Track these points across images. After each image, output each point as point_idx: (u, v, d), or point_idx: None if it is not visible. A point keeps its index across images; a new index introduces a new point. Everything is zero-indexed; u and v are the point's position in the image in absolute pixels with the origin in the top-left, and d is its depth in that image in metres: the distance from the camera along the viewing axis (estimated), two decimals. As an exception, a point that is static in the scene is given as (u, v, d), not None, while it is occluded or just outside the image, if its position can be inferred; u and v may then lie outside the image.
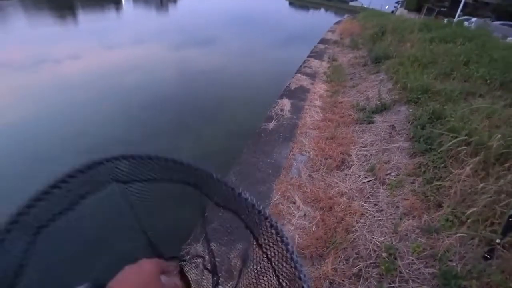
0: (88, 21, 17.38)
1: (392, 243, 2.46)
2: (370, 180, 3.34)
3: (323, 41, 11.34)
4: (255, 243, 0.54)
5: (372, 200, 3.04)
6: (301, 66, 7.66)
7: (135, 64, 8.87)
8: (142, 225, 0.65)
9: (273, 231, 0.49)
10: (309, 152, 3.89)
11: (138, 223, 0.67)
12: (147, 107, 6.09)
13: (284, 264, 0.48)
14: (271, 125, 4.43)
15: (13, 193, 2.26)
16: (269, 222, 0.48)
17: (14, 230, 0.52)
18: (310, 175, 3.48)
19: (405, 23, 9.86)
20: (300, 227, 2.79)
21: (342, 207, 2.97)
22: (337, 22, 19.42)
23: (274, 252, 0.50)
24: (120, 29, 14.86)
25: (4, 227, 0.50)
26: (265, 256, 0.51)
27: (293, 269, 0.46)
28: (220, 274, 0.71)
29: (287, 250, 0.48)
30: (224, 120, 5.68)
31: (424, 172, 3.15)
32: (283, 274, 0.48)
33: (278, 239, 0.49)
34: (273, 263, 0.51)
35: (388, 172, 3.39)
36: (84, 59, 9.29)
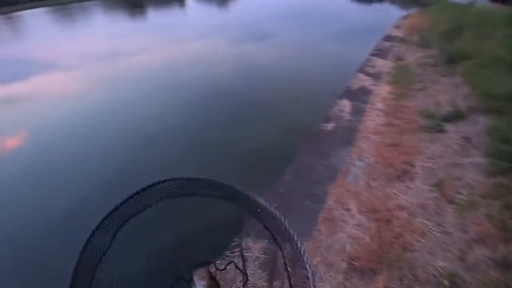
0: (155, 17, 18.83)
1: (456, 270, 2.27)
2: (436, 197, 3.08)
3: (387, 37, 10.54)
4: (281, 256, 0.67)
5: (436, 219, 2.82)
6: (363, 65, 7.27)
7: (195, 58, 9.39)
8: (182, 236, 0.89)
9: (296, 251, 0.64)
10: (368, 158, 3.73)
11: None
12: (205, 99, 6.44)
13: None
14: (330, 126, 4.34)
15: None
16: (294, 243, 0.64)
17: (102, 227, 0.74)
18: (368, 183, 3.35)
19: (487, 17, 8.60)
20: (353, 236, 2.73)
21: (401, 222, 2.81)
22: (404, 17, 17.79)
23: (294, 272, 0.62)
24: (184, 24, 15.78)
25: (97, 224, 0.73)
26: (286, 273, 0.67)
27: None
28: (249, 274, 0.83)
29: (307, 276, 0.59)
30: (278, 115, 5.71)
31: (504, 195, 2.80)
32: None
33: (300, 260, 0.64)
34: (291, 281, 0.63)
35: (458, 190, 3.09)
36: (151, 53, 10.11)
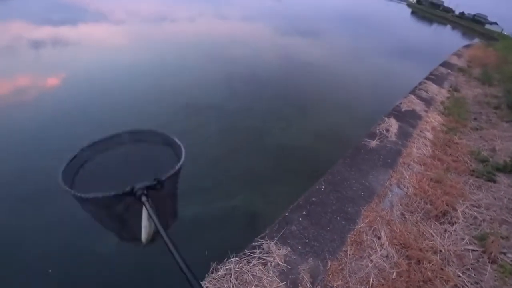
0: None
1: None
2: (476, 250, 2.81)
3: (445, 64, 9.84)
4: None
5: (473, 275, 2.56)
6: (416, 87, 6.80)
7: (241, 39, 9.13)
8: None
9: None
10: (407, 188, 3.47)
11: None
12: (244, 82, 6.26)
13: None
14: (373, 144, 4.07)
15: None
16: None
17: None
18: (403, 214, 3.11)
19: None
20: (379, 267, 2.53)
21: (433, 266, 2.58)
22: (466, 46, 16.64)
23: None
24: (234, 3, 15.43)
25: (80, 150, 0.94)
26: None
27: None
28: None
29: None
30: (316, 118, 5.48)
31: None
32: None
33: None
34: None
35: (504, 251, 2.80)
36: (197, 23, 9.96)
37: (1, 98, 4.65)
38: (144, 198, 0.78)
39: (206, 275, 2.19)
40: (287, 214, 2.62)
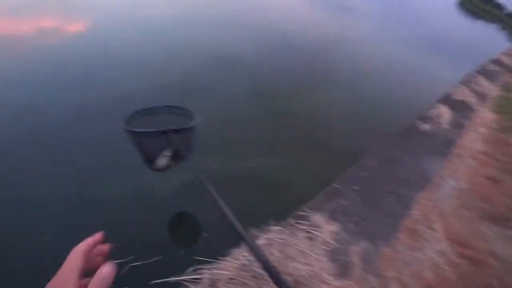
0: None
1: None
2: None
3: (495, 61, 8.98)
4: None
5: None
6: (466, 79, 6.13)
7: (277, 11, 8.27)
8: None
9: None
10: (462, 182, 3.03)
11: None
12: (287, 55, 5.67)
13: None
14: (425, 127, 3.58)
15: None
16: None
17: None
18: (457, 209, 2.70)
19: None
20: (431, 260, 2.16)
21: (497, 273, 2.21)
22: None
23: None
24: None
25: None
26: None
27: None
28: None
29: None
30: (351, 92, 4.94)
31: None
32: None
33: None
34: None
35: None
36: None
37: (33, 35, 4.29)
38: (171, 135, 1.35)
39: (241, 242, 1.85)
40: (336, 186, 2.22)
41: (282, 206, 2.23)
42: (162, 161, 1.47)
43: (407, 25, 11.63)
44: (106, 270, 0.40)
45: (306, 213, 1.93)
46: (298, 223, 1.85)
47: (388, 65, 6.72)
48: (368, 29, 8.93)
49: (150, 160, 1.51)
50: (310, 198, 2.21)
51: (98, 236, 0.47)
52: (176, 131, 1.34)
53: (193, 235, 2.05)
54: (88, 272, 0.43)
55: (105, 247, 0.48)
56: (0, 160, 2.26)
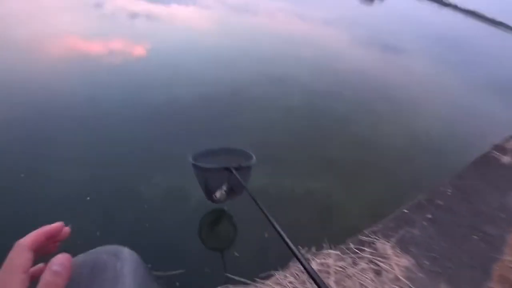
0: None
1: None
2: None
3: None
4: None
5: None
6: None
7: (315, 39, 8.40)
8: None
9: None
10: None
11: None
12: (327, 72, 5.61)
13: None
14: (506, 159, 3.04)
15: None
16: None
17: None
18: None
19: None
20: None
21: None
22: None
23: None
24: (320, 4, 14.89)
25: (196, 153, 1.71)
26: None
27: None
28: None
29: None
30: (409, 123, 4.53)
31: None
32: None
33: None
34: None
35: None
36: (278, 19, 9.65)
37: (105, 54, 4.98)
38: (233, 170, 1.54)
39: (290, 262, 1.60)
40: (405, 211, 1.88)
41: (338, 229, 1.93)
42: (220, 194, 1.70)
43: (460, 64, 10.96)
44: (60, 261, 0.34)
45: (370, 238, 1.62)
46: (360, 249, 1.54)
47: (448, 101, 6.20)
48: (425, 68, 8.53)
49: (210, 193, 1.72)
50: (368, 223, 1.90)
51: (54, 227, 0.40)
52: (236, 168, 1.54)
53: (229, 251, 1.87)
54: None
55: (63, 234, 0.41)
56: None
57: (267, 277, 1.57)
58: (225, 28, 8.04)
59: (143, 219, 2.04)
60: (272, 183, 2.47)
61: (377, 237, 1.62)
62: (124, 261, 0.47)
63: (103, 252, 0.48)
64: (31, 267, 0.35)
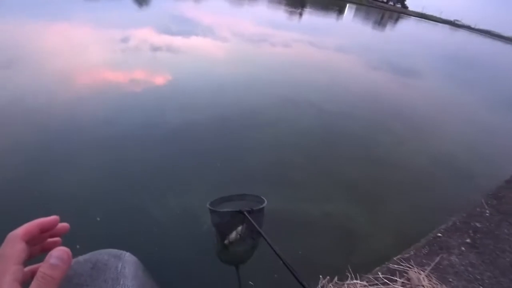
0: (310, 18, 19.19)
1: None
2: None
3: None
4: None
5: None
6: None
7: (335, 69, 8.47)
8: None
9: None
10: None
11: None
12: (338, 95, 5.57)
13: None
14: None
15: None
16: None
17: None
18: None
19: None
20: None
21: None
22: None
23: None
24: (333, 32, 15.31)
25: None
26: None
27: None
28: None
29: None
30: (431, 143, 4.31)
31: None
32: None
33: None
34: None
35: None
36: (293, 48, 9.93)
37: (129, 83, 5.31)
38: (246, 213, 1.62)
39: None
40: (439, 235, 1.69)
41: (362, 256, 1.76)
42: (234, 235, 1.77)
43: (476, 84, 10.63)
44: (58, 254, 0.33)
45: (401, 266, 1.45)
46: (390, 279, 1.38)
47: (470, 120, 5.92)
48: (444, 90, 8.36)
49: (224, 235, 1.80)
50: (395, 249, 1.72)
51: (48, 219, 0.39)
52: (249, 211, 1.68)
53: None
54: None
55: (61, 228, 0.41)
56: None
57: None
58: (241, 57, 8.36)
59: (153, 241, 1.98)
60: (288, 208, 2.36)
61: (409, 265, 1.45)
62: (125, 262, 0.46)
63: (104, 253, 0.47)
64: (27, 258, 0.34)
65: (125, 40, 9.03)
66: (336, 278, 1.58)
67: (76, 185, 2.53)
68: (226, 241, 1.77)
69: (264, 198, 1.85)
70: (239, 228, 1.74)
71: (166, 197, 2.42)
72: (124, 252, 0.51)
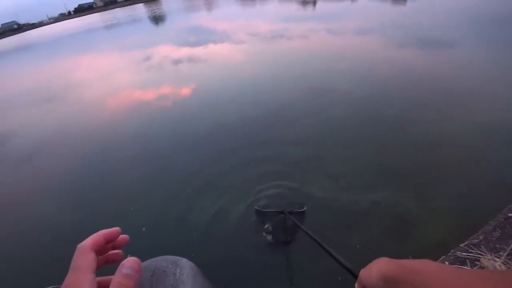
0: (324, 6, 18.62)
1: None
2: None
3: None
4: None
5: None
6: None
7: (359, 53, 8.00)
8: None
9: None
10: None
11: None
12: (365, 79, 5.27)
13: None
14: None
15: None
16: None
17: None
18: None
19: None
20: None
21: None
22: None
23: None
24: (350, 16, 14.66)
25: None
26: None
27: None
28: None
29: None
30: (477, 113, 3.91)
31: None
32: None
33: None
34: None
35: None
36: (309, 40, 9.63)
37: (156, 100, 5.60)
38: (287, 214, 1.85)
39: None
40: (511, 215, 1.52)
41: (421, 245, 1.64)
42: (268, 226, 2.09)
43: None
44: (129, 264, 0.35)
45: (470, 254, 1.31)
46: (459, 267, 1.25)
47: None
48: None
49: (264, 224, 2.13)
50: (457, 235, 1.57)
51: (111, 230, 0.41)
52: (290, 212, 1.87)
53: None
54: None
55: (122, 240, 0.43)
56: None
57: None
58: (261, 55, 8.32)
59: (196, 247, 2.03)
60: (333, 198, 2.29)
61: (480, 252, 1.31)
62: (183, 268, 0.48)
63: (162, 260, 0.49)
64: (96, 267, 0.36)
65: (147, 59, 9.45)
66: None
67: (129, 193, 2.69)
68: (267, 228, 2.12)
69: (304, 204, 2.16)
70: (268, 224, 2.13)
71: (202, 201, 2.46)
72: (180, 258, 0.53)
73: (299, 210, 2.04)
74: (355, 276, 0.55)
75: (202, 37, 11.52)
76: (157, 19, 22.29)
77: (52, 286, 1.74)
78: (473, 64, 6.07)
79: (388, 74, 5.57)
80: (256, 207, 2.23)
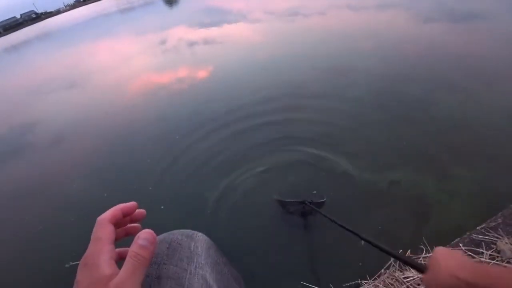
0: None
1: None
2: None
3: None
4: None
5: None
6: None
7: (382, 29, 7.51)
8: None
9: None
10: None
11: None
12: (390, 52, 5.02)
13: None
14: None
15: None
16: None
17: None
18: None
19: None
20: None
21: None
22: None
23: None
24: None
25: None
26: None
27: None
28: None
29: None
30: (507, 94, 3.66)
31: None
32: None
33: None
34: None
35: None
36: (327, 16, 9.18)
37: (173, 82, 5.66)
38: (308, 203, 1.92)
39: (382, 270, 1.40)
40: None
41: (437, 227, 1.63)
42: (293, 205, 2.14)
43: None
44: (145, 236, 0.37)
45: (487, 237, 1.29)
46: (475, 251, 1.24)
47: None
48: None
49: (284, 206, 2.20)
50: (478, 218, 1.54)
51: (128, 204, 0.43)
52: (310, 202, 1.93)
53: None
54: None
55: (139, 214, 0.45)
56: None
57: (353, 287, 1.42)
58: (278, 34, 8.10)
59: (214, 225, 2.13)
60: (354, 180, 2.29)
61: (497, 235, 1.28)
62: (197, 242, 0.50)
63: (178, 233, 0.51)
64: (115, 239, 0.39)
65: (162, 42, 9.46)
66: (409, 252, 1.49)
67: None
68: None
69: (325, 196, 2.14)
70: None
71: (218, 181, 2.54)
72: (196, 232, 0.55)
73: (320, 201, 2.00)
74: (412, 266, 0.55)
75: (217, 17, 11.31)
76: (170, 1, 22.02)
77: (73, 262, 1.90)
78: (510, 41, 5.58)
79: (413, 52, 5.28)
80: (275, 196, 2.18)
